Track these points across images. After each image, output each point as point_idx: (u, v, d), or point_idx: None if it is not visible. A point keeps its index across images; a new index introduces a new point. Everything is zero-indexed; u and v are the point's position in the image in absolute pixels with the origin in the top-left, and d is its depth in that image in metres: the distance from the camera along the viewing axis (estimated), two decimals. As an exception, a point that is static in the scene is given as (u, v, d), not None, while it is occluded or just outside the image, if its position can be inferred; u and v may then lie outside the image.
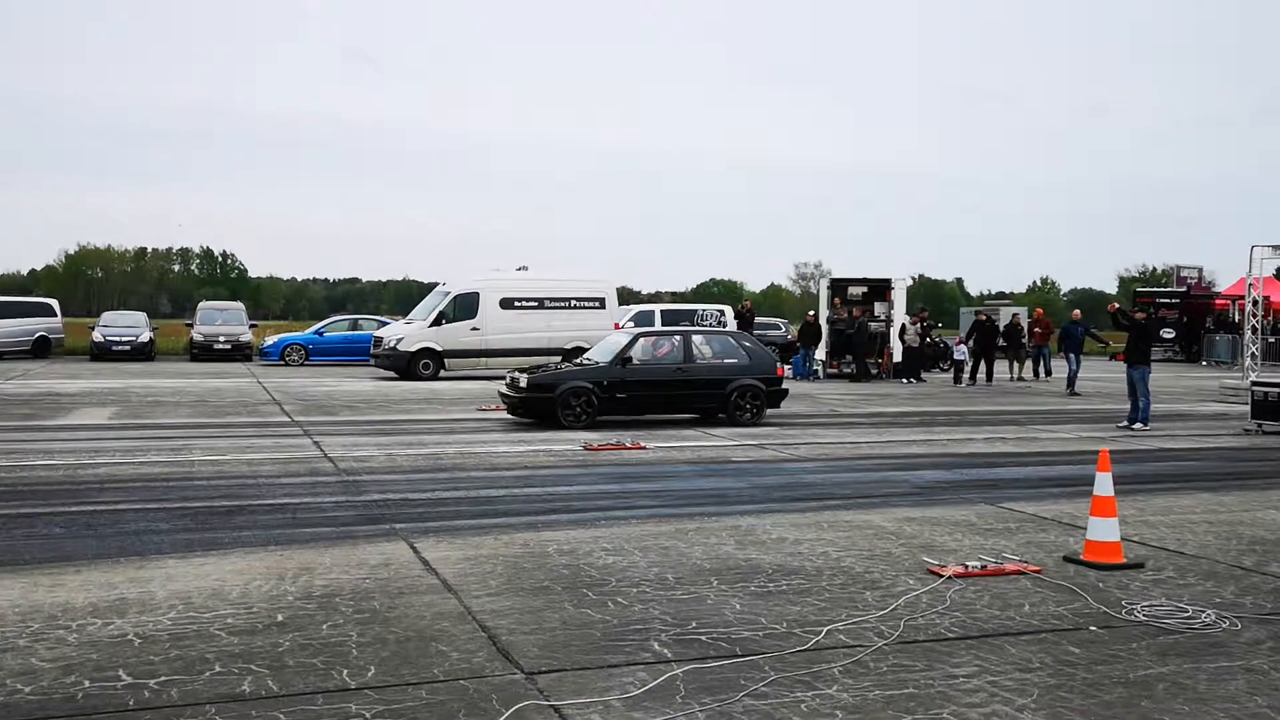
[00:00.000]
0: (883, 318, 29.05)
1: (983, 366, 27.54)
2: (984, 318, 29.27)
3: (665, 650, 5.48)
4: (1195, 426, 17.86)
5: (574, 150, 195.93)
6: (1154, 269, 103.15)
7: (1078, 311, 24.11)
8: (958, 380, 27.39)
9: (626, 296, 47.76)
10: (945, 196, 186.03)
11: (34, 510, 9.07)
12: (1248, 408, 17.69)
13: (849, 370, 28.23)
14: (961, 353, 27.79)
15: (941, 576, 7.02)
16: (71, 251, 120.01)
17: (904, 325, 28.16)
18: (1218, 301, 44.84)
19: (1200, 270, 49.90)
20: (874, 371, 28.56)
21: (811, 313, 30.76)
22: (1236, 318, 38.94)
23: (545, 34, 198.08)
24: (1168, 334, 42.15)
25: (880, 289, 29.44)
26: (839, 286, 29.82)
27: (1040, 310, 32.49)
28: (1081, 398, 23.09)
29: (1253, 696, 4.95)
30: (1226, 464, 13.51)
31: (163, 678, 4.96)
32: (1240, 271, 29.03)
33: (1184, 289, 45.77)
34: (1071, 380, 24.12)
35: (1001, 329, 30.22)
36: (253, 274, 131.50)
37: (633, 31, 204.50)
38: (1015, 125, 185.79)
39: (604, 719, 4.56)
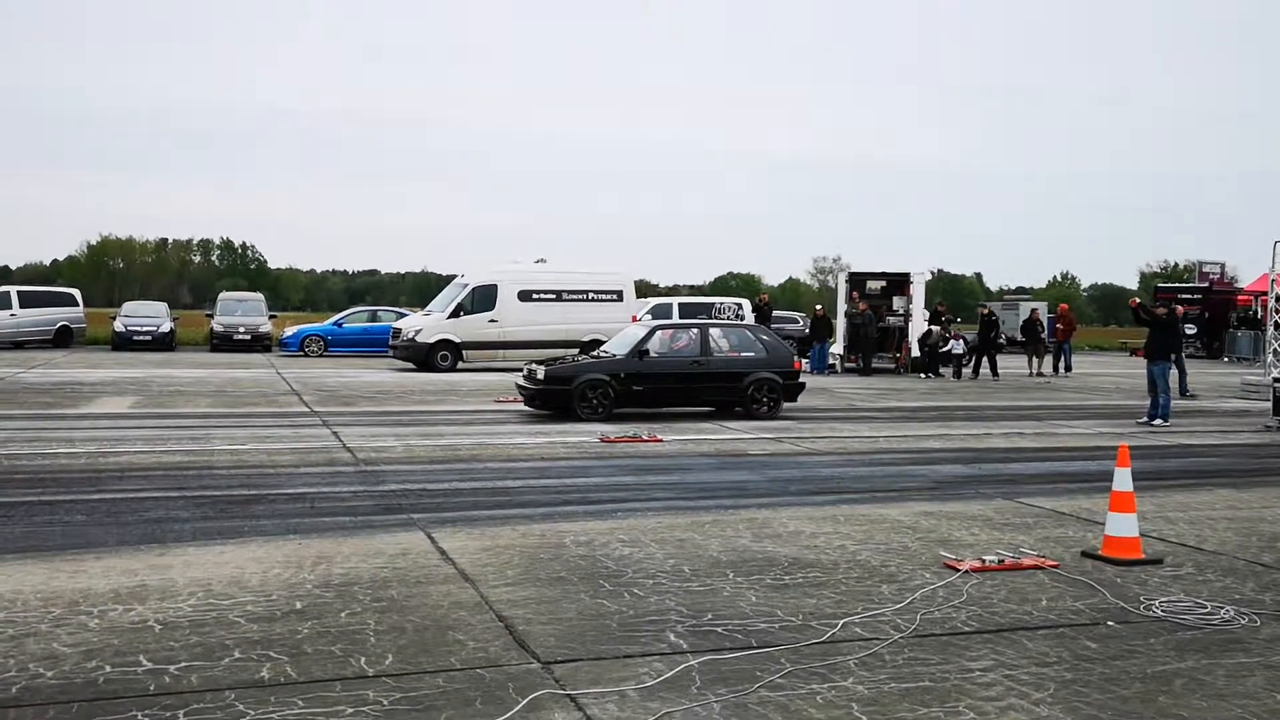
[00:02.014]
0: (901, 312, 28.96)
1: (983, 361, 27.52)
2: (987, 311, 29.34)
3: (681, 641, 5.49)
4: (1216, 423, 17.74)
5: (593, 144, 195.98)
6: (1176, 264, 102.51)
7: (1181, 308, 22.44)
8: (957, 375, 27.26)
9: (644, 289, 47.66)
10: (965, 191, 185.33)
11: (56, 498, 9.16)
12: (1269, 404, 17.56)
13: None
14: (959, 346, 27.66)
15: (958, 571, 7.01)
16: (94, 242, 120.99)
17: (929, 330, 27.95)
18: (1240, 297, 44.49)
19: (1223, 266, 49.52)
20: (892, 366, 28.52)
21: (819, 306, 30.70)
22: (1259, 314, 38.64)
23: (566, 31, 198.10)
24: (1189, 330, 41.85)
25: (899, 283, 29.34)
26: (857, 280, 29.73)
27: (1065, 306, 32.35)
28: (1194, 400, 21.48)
29: (1271, 693, 4.92)
30: (1247, 460, 13.41)
31: (183, 663, 5.01)
32: (1263, 267, 28.83)
33: (1206, 285, 45.45)
34: (1181, 386, 21.58)
35: (1020, 324, 30.18)
36: (272, 265, 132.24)
37: (654, 28, 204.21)
38: (1035, 120, 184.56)
39: (619, 709, 4.57)
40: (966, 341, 28.18)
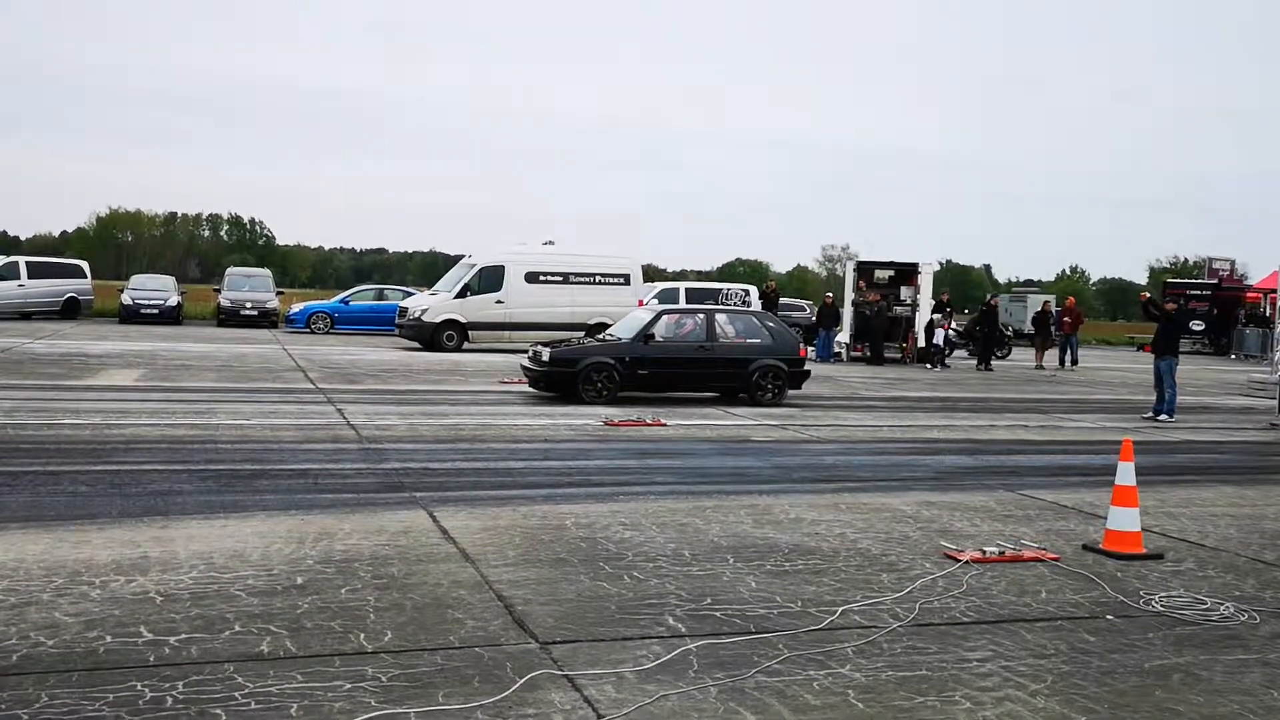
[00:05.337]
0: (908, 302, 28.90)
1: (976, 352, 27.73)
2: (993, 301, 29.60)
3: (680, 625, 5.50)
4: (1221, 419, 17.70)
5: (603, 126, 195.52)
6: (1185, 260, 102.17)
7: None
8: (943, 363, 27.20)
9: (651, 274, 47.55)
10: (976, 183, 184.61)
11: (60, 468, 9.18)
12: (1275, 402, 17.53)
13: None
14: (941, 336, 27.54)
15: (958, 561, 7.01)
16: (103, 215, 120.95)
17: (933, 319, 27.90)
18: (1249, 294, 44.37)
19: (1232, 263, 49.43)
20: (899, 356, 28.49)
21: (829, 295, 30.63)
22: (1268, 311, 38.51)
23: (575, 10, 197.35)
24: (1197, 326, 41.75)
25: (907, 273, 29.27)
26: (865, 270, 29.66)
27: (1072, 299, 32.29)
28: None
29: (1268, 689, 4.93)
30: (1251, 458, 13.39)
31: (183, 635, 5.03)
32: (1273, 265, 28.74)
33: (1215, 281, 45.35)
34: None
35: (1030, 317, 30.26)
36: (280, 242, 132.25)
37: (666, 7, 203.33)
38: (1047, 112, 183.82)
39: (617, 690, 4.59)
40: (953, 331, 28.21)
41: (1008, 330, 33.50)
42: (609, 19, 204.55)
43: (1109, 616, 5.98)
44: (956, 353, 30.65)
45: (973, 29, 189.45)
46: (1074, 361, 29.51)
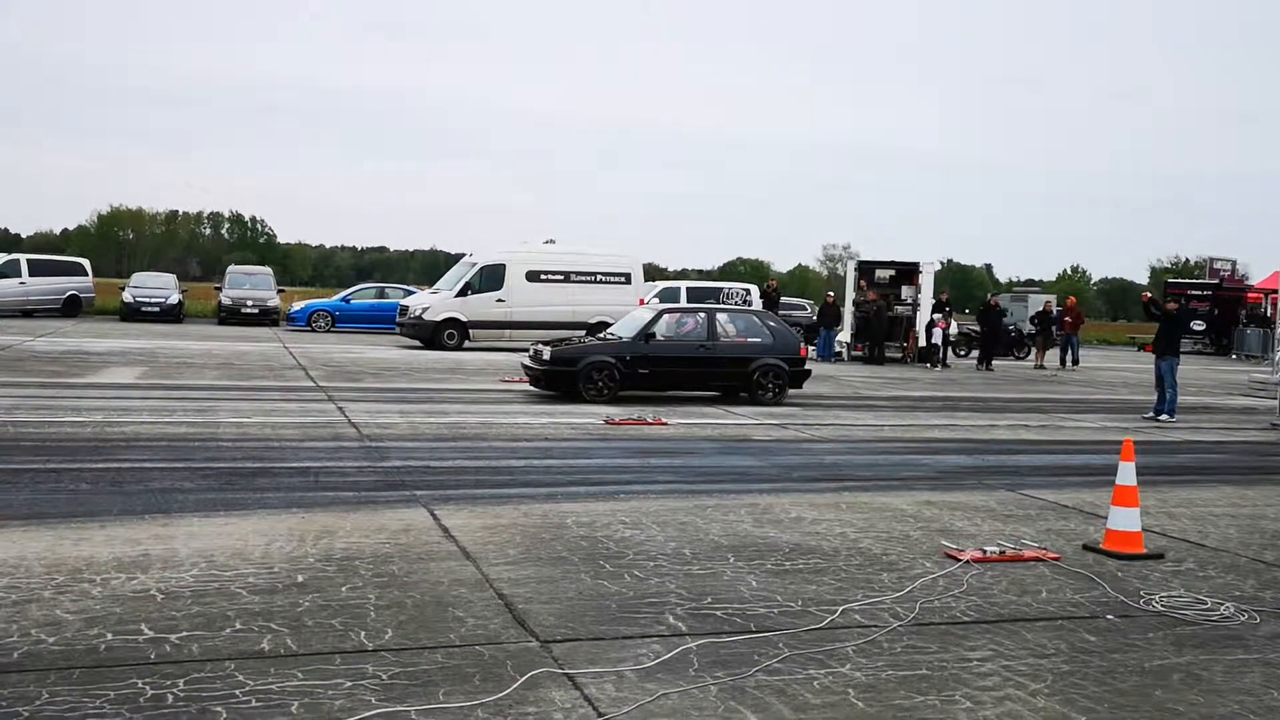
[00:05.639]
0: (909, 301, 28.88)
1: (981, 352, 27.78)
2: (994, 302, 29.57)
3: (680, 624, 5.50)
4: (1222, 420, 17.70)
5: (604, 126, 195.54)
6: (1186, 260, 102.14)
7: None
8: (943, 363, 27.18)
9: (652, 273, 47.51)
10: (977, 183, 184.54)
11: (62, 466, 9.19)
12: (1276, 402, 17.52)
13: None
14: (938, 335, 27.50)
15: (959, 561, 7.01)
16: (104, 212, 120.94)
17: (933, 318, 27.87)
18: (1250, 295, 44.34)
19: (1234, 263, 49.40)
20: (899, 355, 28.49)
21: (830, 294, 30.62)
22: (1269, 312, 38.49)
23: (575, 10, 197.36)
24: (1198, 326, 41.74)
25: (908, 272, 29.24)
26: (866, 269, 29.64)
27: (1073, 299, 32.28)
28: None
29: (1268, 689, 4.93)
30: (1252, 458, 13.39)
31: (184, 633, 5.03)
32: (1274, 265, 28.75)
33: (1216, 281, 45.35)
34: None
35: (1031, 316, 30.26)
36: (281, 240, 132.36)
37: (666, 8, 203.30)
38: (1047, 112, 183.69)
39: (617, 689, 4.59)
40: (947, 331, 28.24)
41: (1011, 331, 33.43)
42: (609, 19, 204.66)
43: (1109, 616, 5.98)
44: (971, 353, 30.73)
45: (973, 29, 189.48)
46: (1075, 361, 29.51)
